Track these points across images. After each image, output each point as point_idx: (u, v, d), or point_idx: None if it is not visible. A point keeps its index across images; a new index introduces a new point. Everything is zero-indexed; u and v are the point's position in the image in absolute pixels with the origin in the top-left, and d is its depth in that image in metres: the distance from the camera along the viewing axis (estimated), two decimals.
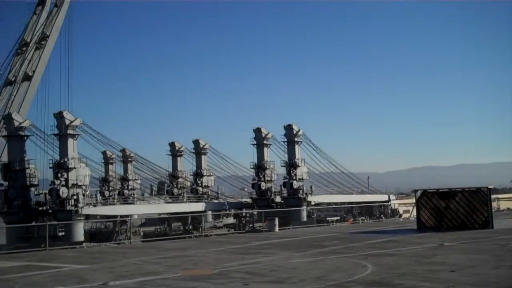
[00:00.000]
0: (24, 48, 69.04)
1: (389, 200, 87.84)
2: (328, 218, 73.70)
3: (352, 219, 73.83)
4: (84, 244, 45.95)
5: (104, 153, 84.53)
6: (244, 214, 79.55)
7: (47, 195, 61.99)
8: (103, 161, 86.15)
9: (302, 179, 79.69)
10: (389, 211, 77.77)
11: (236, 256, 26.14)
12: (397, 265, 20.18)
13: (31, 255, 32.85)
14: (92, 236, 69.15)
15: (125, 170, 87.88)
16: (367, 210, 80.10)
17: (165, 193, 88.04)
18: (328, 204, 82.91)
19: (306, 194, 78.92)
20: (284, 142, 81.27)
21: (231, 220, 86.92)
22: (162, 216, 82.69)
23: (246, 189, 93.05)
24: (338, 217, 79.41)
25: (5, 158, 62.58)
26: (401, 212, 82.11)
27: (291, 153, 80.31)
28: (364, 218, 76.23)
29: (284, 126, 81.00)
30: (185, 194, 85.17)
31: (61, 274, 22.72)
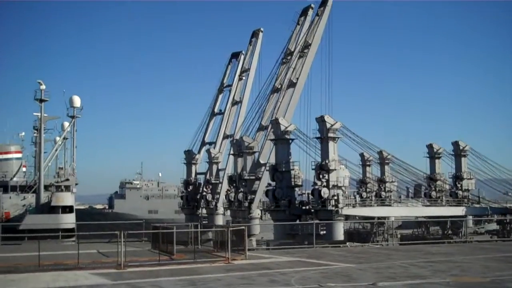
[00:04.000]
0: (288, 57, 74.07)
1: None
2: None
3: None
4: (348, 243, 47.54)
5: (361, 155, 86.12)
6: (508, 221, 74.31)
7: (309, 195, 65.42)
8: (360, 163, 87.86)
9: None
10: None
11: (506, 265, 24.93)
12: None
13: (301, 251, 35.28)
14: (350, 236, 71.12)
15: (382, 172, 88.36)
16: None
17: (422, 196, 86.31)
18: None
19: None
20: None
21: (493, 226, 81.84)
22: (419, 219, 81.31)
23: (510, 194, 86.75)
24: None
25: (272, 160, 67.74)
26: None
27: None
28: None
29: None
30: (443, 198, 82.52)
31: (330, 272, 24.09)
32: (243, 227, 31.52)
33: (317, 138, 63.74)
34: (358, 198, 75.29)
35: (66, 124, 78.57)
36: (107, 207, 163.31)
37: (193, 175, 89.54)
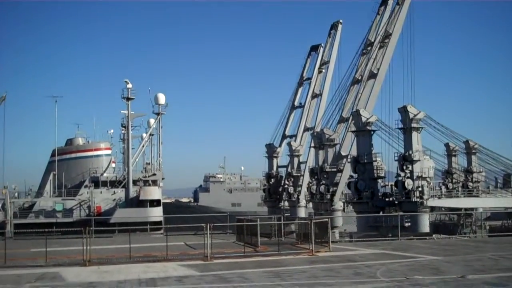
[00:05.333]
0: (368, 48, 72.98)
1: None
2: None
3: None
4: (434, 235, 46.52)
5: (446, 145, 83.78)
6: None
7: (393, 187, 64.39)
8: (445, 153, 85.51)
9: None
10: None
11: None
12: None
13: (385, 243, 34.91)
14: (436, 227, 69.41)
15: (469, 162, 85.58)
16: None
17: None
18: None
19: None
20: None
21: None
22: (509, 210, 78.30)
23: None
24: None
25: (354, 152, 67.17)
26: None
27: None
28: None
29: None
30: None
31: (417, 264, 23.78)
32: (326, 219, 31.58)
33: (399, 128, 62.67)
34: (443, 189, 73.40)
35: (152, 121, 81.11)
36: (192, 201, 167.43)
37: (274, 168, 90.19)
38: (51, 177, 72.07)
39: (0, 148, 75.00)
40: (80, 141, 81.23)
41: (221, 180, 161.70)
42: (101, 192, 67.19)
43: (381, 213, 61.49)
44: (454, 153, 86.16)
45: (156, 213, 61.49)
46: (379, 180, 66.00)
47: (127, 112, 66.33)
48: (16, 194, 69.34)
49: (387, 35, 70.17)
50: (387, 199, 64.60)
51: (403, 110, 61.39)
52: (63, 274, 23.26)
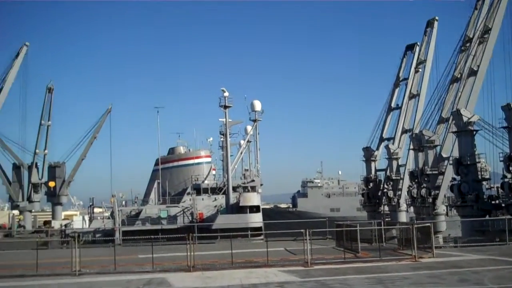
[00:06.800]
0: (467, 44, 70.31)
1: None
2: None
3: None
4: None
5: None
6: None
7: (499, 189, 61.61)
8: None
9: None
10: None
11: None
12: None
13: (492, 249, 33.61)
14: None
15: None
16: None
17: None
18: None
19: None
20: None
21: None
22: None
23: None
24: None
25: (455, 153, 64.92)
26: None
27: None
28: None
29: None
30: None
31: None
32: (429, 224, 30.91)
33: (504, 127, 59.82)
34: None
35: (249, 127, 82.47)
36: (291, 206, 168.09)
37: (373, 172, 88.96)
38: (155, 185, 75.05)
39: (107, 158, 78.93)
40: (182, 149, 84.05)
41: (319, 185, 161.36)
42: (202, 199, 69.09)
43: (487, 217, 59.01)
44: None
45: (256, 219, 62.34)
46: (484, 182, 63.27)
47: (224, 120, 67.87)
48: (123, 203, 72.65)
49: (486, 30, 67.21)
50: (493, 202, 61.84)
51: (507, 108, 58.51)
52: (169, 279, 24.26)
